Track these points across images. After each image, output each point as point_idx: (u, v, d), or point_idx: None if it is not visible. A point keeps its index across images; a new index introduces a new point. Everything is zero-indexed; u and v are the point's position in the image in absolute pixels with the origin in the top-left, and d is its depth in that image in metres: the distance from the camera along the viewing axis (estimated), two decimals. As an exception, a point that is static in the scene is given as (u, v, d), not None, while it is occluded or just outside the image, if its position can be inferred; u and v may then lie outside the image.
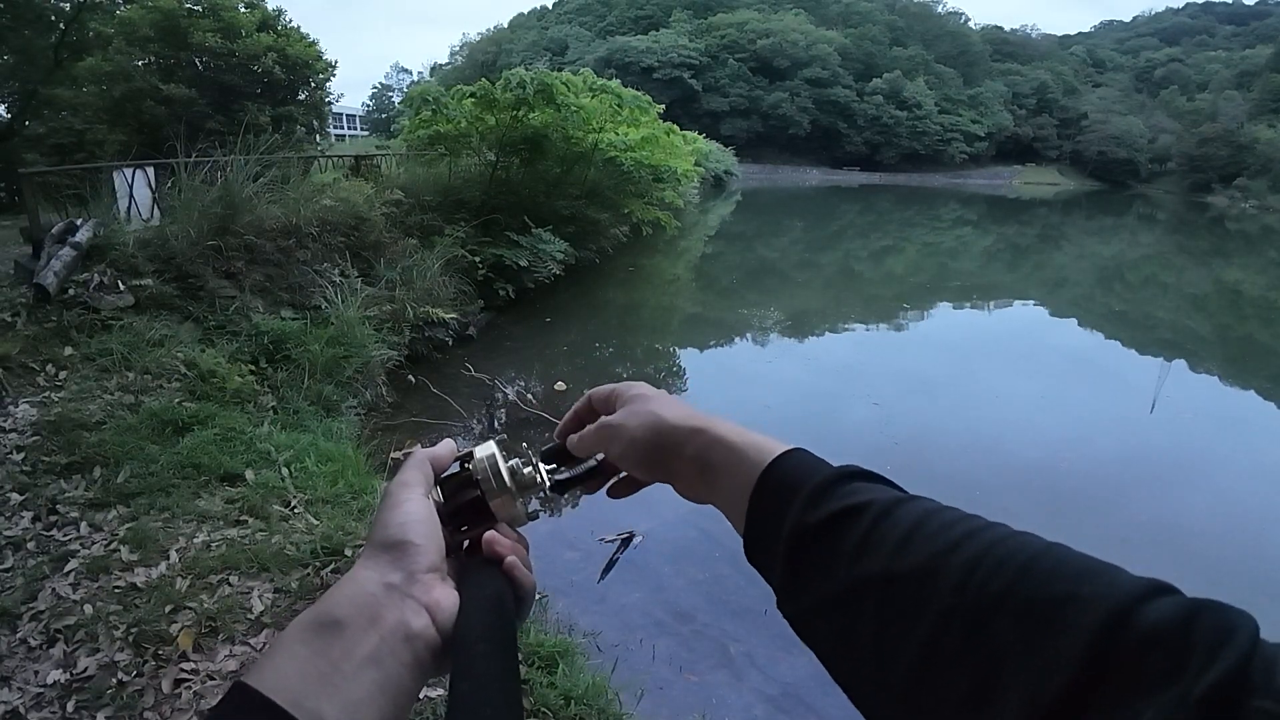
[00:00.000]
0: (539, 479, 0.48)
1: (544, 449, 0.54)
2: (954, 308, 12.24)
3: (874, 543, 0.35)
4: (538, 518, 0.50)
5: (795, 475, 0.41)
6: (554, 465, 0.52)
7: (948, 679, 0.29)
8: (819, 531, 0.37)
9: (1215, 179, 50.77)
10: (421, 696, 2.13)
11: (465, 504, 0.45)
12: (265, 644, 2.34)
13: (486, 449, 0.46)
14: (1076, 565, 0.29)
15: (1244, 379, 8.66)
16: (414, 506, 0.42)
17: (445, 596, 0.39)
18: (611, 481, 0.54)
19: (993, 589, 0.30)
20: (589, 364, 7.59)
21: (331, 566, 2.76)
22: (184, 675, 2.19)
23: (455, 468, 0.46)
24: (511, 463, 0.47)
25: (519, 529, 0.47)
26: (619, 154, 11.27)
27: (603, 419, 0.51)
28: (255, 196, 6.32)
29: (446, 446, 0.47)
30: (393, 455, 4.38)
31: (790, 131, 61.83)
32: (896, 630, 0.32)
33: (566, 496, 4.25)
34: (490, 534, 0.44)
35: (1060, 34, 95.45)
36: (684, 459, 0.46)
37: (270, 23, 17.03)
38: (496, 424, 5.73)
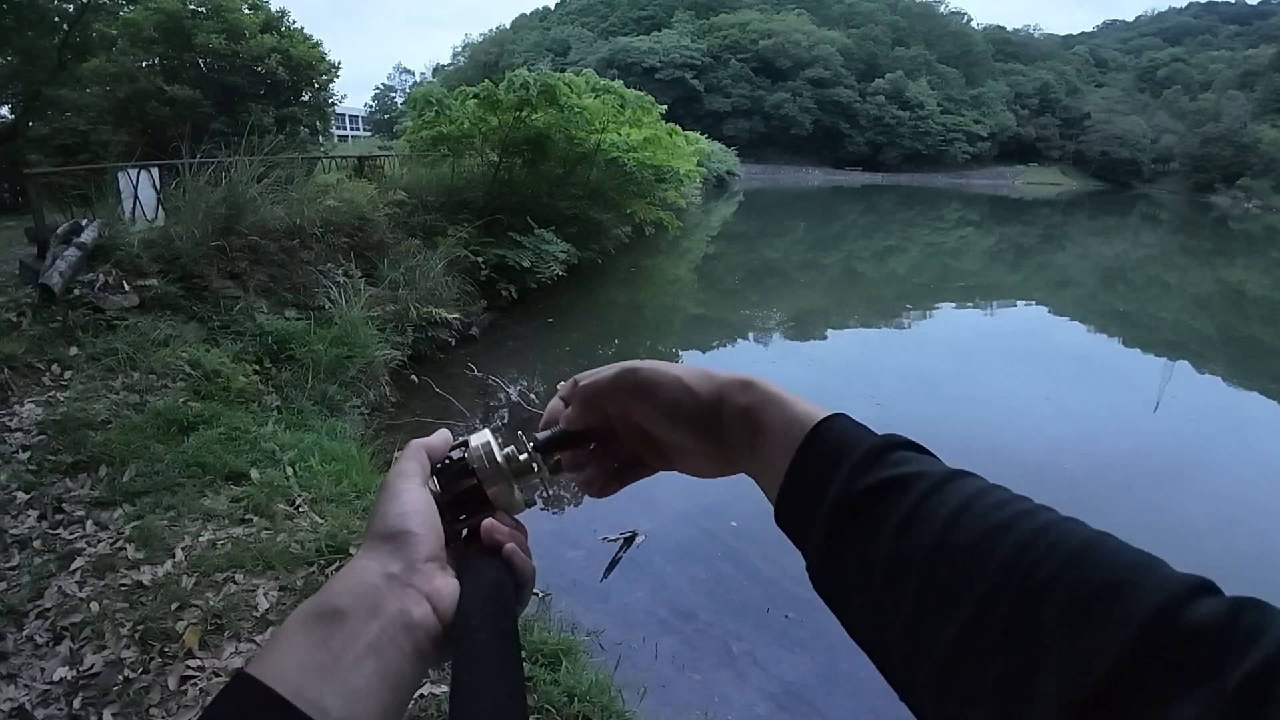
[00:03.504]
0: (535, 465, 0.47)
1: (542, 438, 0.50)
2: (957, 308, 12.22)
3: (923, 516, 0.34)
4: (535, 504, 0.50)
5: (843, 440, 0.40)
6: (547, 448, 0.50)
7: (988, 659, 0.29)
8: (866, 499, 0.36)
9: (1218, 179, 50.62)
10: (425, 693, 2.14)
11: (462, 493, 0.44)
12: (270, 641, 2.35)
13: (481, 437, 0.46)
14: (1127, 557, 0.29)
15: (1247, 379, 8.64)
16: (412, 496, 0.41)
17: (445, 585, 0.39)
18: (595, 478, 0.50)
19: (1042, 573, 0.29)
20: (591, 364, 7.35)
21: (336, 564, 2.77)
22: (190, 672, 2.20)
23: (452, 456, 0.46)
24: (507, 450, 0.46)
25: (517, 516, 0.47)
26: (621, 154, 11.29)
27: (629, 363, 0.48)
28: (259, 197, 6.35)
29: (442, 436, 0.47)
30: (396, 454, 4.37)
31: (792, 132, 61.78)
32: (939, 607, 0.31)
33: (570, 494, 4.26)
34: (488, 522, 0.44)
35: (1063, 34, 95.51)
36: (735, 411, 0.44)
37: (274, 24, 17.06)
38: (499, 424, 5.75)
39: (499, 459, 0.45)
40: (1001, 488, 0.35)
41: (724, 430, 0.44)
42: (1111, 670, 0.26)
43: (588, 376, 0.49)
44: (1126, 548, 0.30)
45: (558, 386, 0.53)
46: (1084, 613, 0.27)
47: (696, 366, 0.46)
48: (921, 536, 0.33)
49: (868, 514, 0.36)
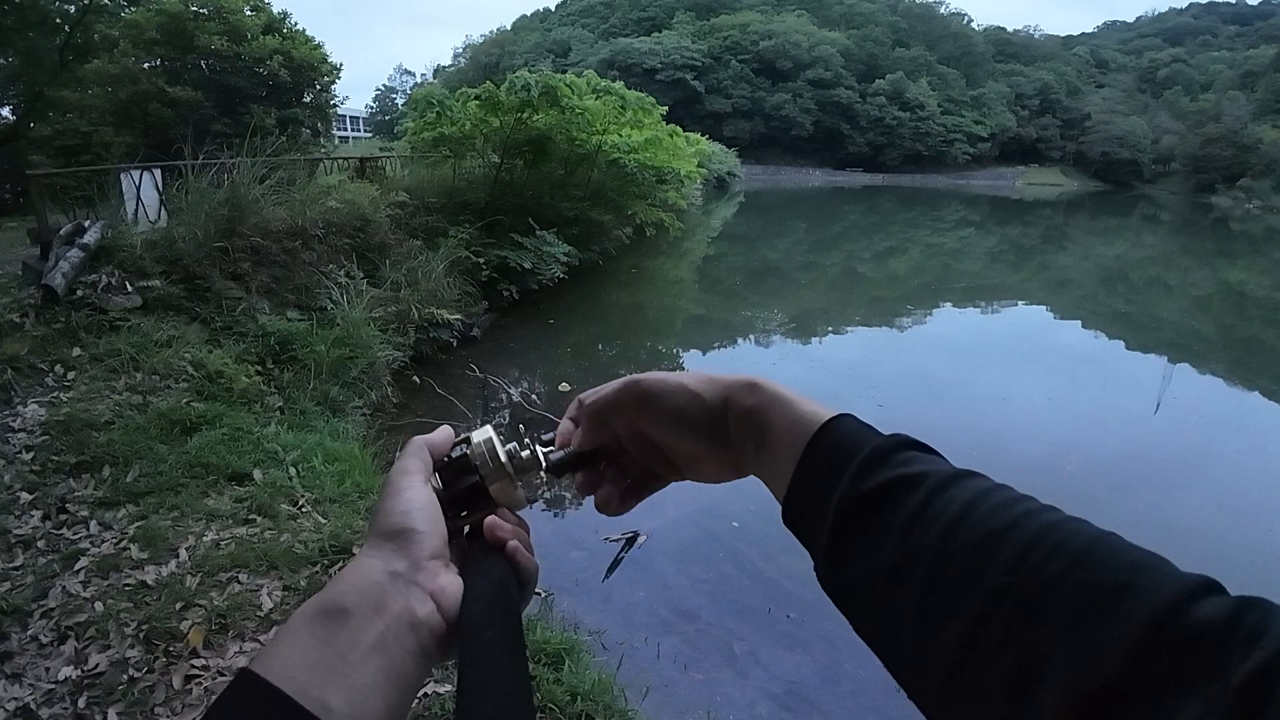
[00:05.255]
0: (537, 461, 0.47)
1: (554, 460, 0.50)
2: (958, 309, 12.23)
3: (928, 517, 0.34)
4: (537, 499, 0.50)
5: (848, 441, 0.39)
6: (551, 447, 0.50)
7: (992, 659, 0.29)
8: (871, 500, 0.36)
9: (1219, 179, 50.65)
10: (429, 692, 2.15)
11: (465, 489, 0.44)
12: (274, 641, 2.35)
13: (484, 433, 0.46)
14: (1131, 557, 0.29)
15: (1248, 380, 8.63)
16: (415, 494, 0.41)
17: (449, 583, 0.39)
18: (603, 490, 0.50)
19: (1047, 573, 0.29)
20: (593, 365, 7.60)
21: (339, 564, 2.78)
22: (194, 671, 2.21)
23: (454, 454, 0.46)
24: (509, 446, 0.46)
25: (519, 512, 0.47)
26: (622, 155, 11.30)
27: (633, 376, 0.47)
28: (261, 198, 6.36)
29: (444, 433, 0.47)
30: (399, 453, 4.39)
31: (793, 133, 61.83)
32: (943, 608, 0.31)
33: (572, 496, 4.26)
34: (491, 519, 0.44)
35: (1063, 34, 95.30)
36: (740, 414, 0.44)
37: (276, 25, 17.10)
38: (500, 424, 5.75)
39: (501, 456, 0.45)
40: (1007, 487, 0.35)
41: (730, 433, 0.44)
42: (1114, 669, 0.26)
43: (592, 394, 0.49)
44: (1132, 547, 0.30)
45: (567, 407, 0.52)
46: (1088, 612, 0.27)
47: (699, 371, 0.46)
48: (926, 537, 0.33)
49: (873, 515, 0.36)
